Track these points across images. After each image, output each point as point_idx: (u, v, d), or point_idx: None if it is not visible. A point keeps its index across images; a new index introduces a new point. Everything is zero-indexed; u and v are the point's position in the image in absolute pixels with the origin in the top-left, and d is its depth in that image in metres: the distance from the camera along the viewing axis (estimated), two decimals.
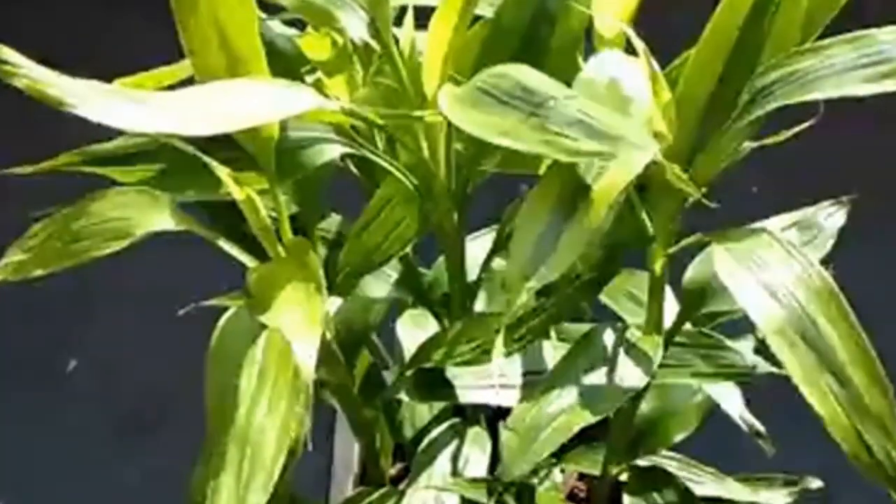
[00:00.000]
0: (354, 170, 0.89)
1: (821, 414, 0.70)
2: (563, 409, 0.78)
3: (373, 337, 0.97)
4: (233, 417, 0.71)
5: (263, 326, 0.72)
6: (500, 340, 0.74)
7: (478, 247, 0.94)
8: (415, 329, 0.94)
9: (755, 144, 0.79)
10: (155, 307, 1.15)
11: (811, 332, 0.71)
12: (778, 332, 0.71)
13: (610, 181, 0.71)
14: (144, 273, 1.42)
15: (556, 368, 0.81)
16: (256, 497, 0.70)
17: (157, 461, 1.29)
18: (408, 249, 0.89)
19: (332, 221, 0.91)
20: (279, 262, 0.77)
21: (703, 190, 0.75)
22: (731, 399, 0.92)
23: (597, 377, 0.80)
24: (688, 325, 0.87)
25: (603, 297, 0.92)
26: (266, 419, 0.71)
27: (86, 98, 0.70)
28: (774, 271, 0.72)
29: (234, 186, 0.76)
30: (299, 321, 0.70)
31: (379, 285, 0.91)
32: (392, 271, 0.92)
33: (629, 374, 0.80)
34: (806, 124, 0.77)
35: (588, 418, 0.78)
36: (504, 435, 0.79)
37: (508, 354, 0.83)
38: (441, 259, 0.95)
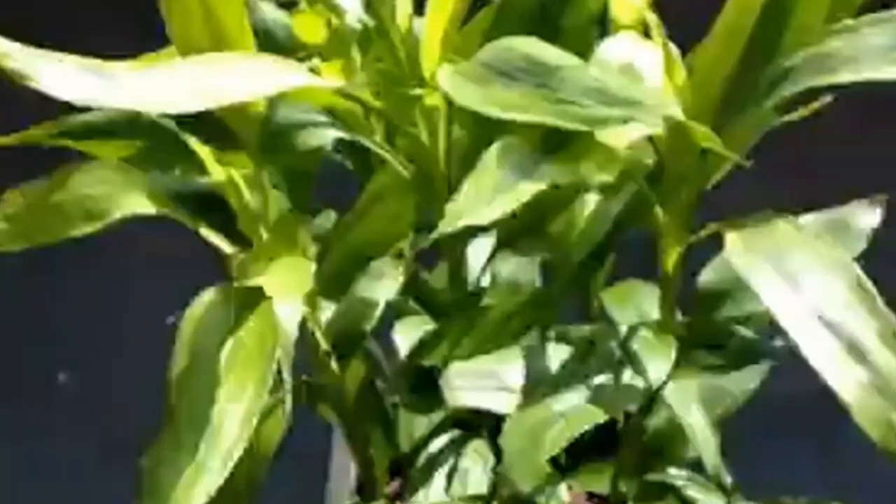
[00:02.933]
0: (349, 163, 0.82)
1: (848, 403, 0.63)
2: (570, 409, 0.71)
3: (369, 346, 0.90)
4: (194, 396, 0.64)
5: (238, 309, 0.65)
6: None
7: (481, 252, 0.87)
8: (413, 334, 0.86)
9: (779, 121, 0.71)
10: (148, 322, 1.09)
11: (836, 321, 0.64)
12: (801, 324, 0.63)
13: (621, 132, 0.63)
14: (138, 287, 1.37)
15: (561, 371, 0.73)
16: (211, 481, 0.63)
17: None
18: (403, 245, 0.81)
19: (328, 218, 0.83)
20: (262, 248, 0.70)
21: (735, 157, 0.67)
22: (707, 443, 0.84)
23: (606, 378, 0.72)
24: None
25: (606, 304, 0.84)
26: (229, 402, 0.64)
27: (50, 72, 0.63)
28: (795, 260, 0.65)
29: (216, 166, 0.69)
30: (285, 282, 0.64)
31: (374, 287, 0.84)
32: (389, 270, 0.84)
33: (638, 380, 0.72)
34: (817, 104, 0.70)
35: (597, 418, 0.70)
36: (504, 441, 0.72)
37: (503, 347, 0.75)
38: (442, 265, 0.87)
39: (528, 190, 0.65)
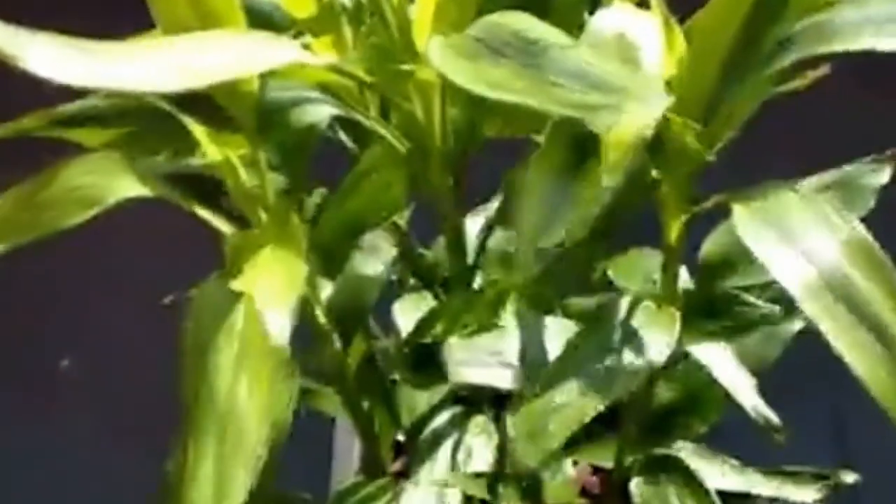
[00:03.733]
0: (345, 138, 0.80)
1: (863, 377, 0.61)
2: (575, 394, 0.69)
3: (370, 323, 0.88)
4: (210, 397, 0.62)
5: (241, 296, 0.62)
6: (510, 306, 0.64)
7: (478, 226, 0.85)
8: (414, 312, 0.84)
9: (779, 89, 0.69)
10: (149, 303, 1.07)
11: (849, 294, 0.62)
12: (813, 296, 0.62)
13: (618, 137, 0.61)
14: (138, 269, 1.36)
15: (565, 351, 0.71)
16: (238, 483, 0.61)
17: (151, 462, 1.20)
18: (401, 218, 0.79)
19: (319, 197, 0.81)
20: (260, 229, 0.68)
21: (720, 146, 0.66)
22: (744, 388, 0.82)
23: (610, 357, 0.70)
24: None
25: (611, 274, 0.82)
26: (248, 399, 0.61)
27: (38, 52, 0.61)
28: (804, 230, 0.63)
29: (211, 146, 0.67)
30: (274, 288, 0.61)
31: (373, 263, 0.82)
32: (387, 247, 0.82)
33: (644, 353, 0.70)
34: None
35: (602, 402, 0.68)
36: (511, 424, 0.70)
37: (510, 327, 0.73)
38: (440, 240, 0.86)
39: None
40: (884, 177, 0.80)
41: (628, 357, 0.69)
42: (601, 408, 0.68)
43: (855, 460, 1.14)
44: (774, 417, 0.81)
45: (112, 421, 1.31)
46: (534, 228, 0.62)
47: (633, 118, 0.59)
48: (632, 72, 0.65)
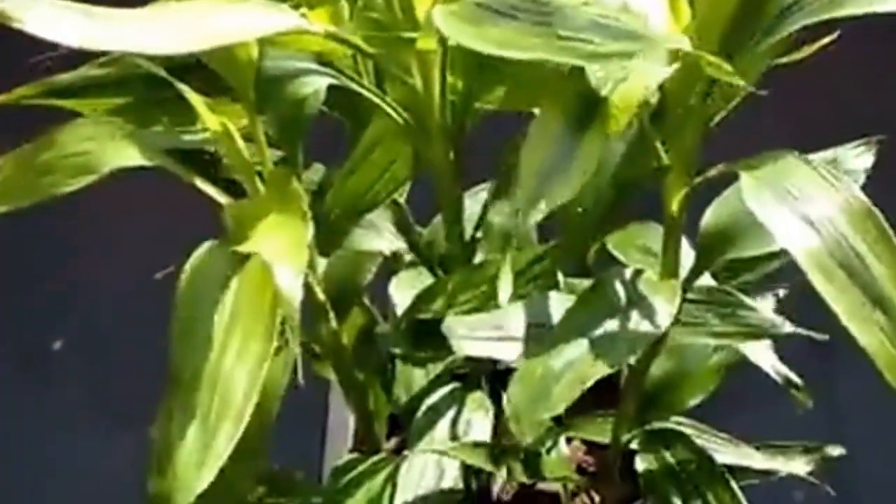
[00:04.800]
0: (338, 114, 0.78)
1: (868, 348, 0.60)
2: (575, 361, 0.67)
3: (366, 300, 0.86)
4: (199, 361, 0.60)
5: (238, 264, 0.61)
6: (507, 277, 0.62)
7: (477, 204, 0.84)
8: (410, 289, 0.83)
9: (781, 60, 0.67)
10: (143, 286, 1.06)
11: (854, 263, 0.61)
12: (818, 264, 0.60)
13: (633, 86, 0.59)
14: (132, 251, 1.33)
15: (566, 318, 0.70)
16: (221, 446, 0.59)
17: (139, 441, 1.18)
18: (400, 194, 0.78)
19: (317, 172, 0.80)
20: (259, 198, 0.66)
21: (746, 86, 0.64)
22: (761, 351, 0.81)
23: (610, 326, 0.69)
24: (703, 282, 0.76)
25: (612, 249, 0.81)
26: (236, 363, 0.60)
27: (37, 14, 0.59)
28: (810, 198, 0.62)
29: (209, 115, 0.65)
30: (282, 246, 0.60)
31: (370, 238, 0.80)
32: (385, 223, 0.81)
33: (646, 322, 0.68)
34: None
35: (603, 369, 0.67)
36: (512, 391, 0.68)
37: (511, 302, 0.72)
38: (438, 218, 0.84)
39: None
40: (869, 160, 0.80)
41: (633, 323, 0.68)
42: (605, 372, 0.66)
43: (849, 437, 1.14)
44: (794, 377, 0.80)
45: (106, 401, 1.29)
46: (536, 185, 0.59)
47: (640, 75, 0.58)
48: (645, 21, 0.63)
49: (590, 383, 0.66)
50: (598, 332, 0.68)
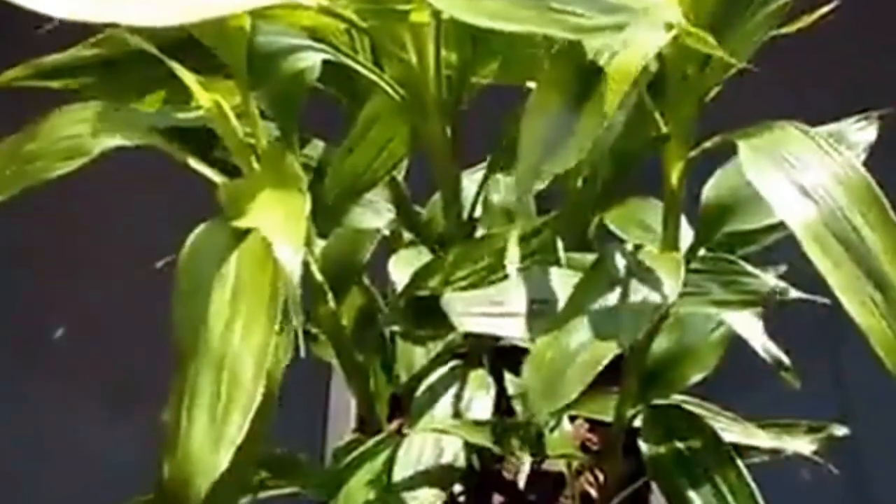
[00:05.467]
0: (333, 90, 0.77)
1: (863, 326, 0.59)
2: (586, 342, 0.66)
3: (365, 279, 0.85)
4: (205, 342, 0.59)
5: (237, 240, 0.60)
6: (514, 247, 0.61)
7: (474, 185, 0.82)
8: (409, 267, 0.82)
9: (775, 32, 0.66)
10: (143, 269, 1.05)
11: (851, 237, 0.60)
12: (814, 236, 0.60)
13: (627, 58, 0.58)
14: (132, 235, 1.33)
15: (572, 297, 0.68)
16: (234, 429, 0.58)
17: (145, 429, 1.18)
18: (398, 172, 0.77)
19: (316, 148, 0.79)
20: (254, 175, 0.65)
21: (737, 63, 0.63)
22: (752, 329, 0.80)
23: (616, 303, 0.67)
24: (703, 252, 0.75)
25: (612, 225, 0.80)
26: (242, 343, 0.59)
27: None
28: (809, 169, 0.61)
29: (202, 92, 0.64)
30: (280, 220, 0.59)
31: (369, 216, 0.79)
32: (383, 202, 0.80)
33: (653, 295, 0.67)
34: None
35: (614, 348, 0.65)
36: (526, 375, 0.67)
37: (503, 277, 0.71)
38: (435, 197, 0.83)
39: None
40: (872, 134, 0.78)
41: (639, 297, 0.67)
42: (618, 351, 0.65)
43: (854, 416, 1.13)
44: (785, 357, 0.79)
45: (105, 389, 1.28)
46: (537, 155, 0.58)
47: (637, 44, 0.57)
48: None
49: (603, 364, 0.65)
50: (605, 310, 0.67)
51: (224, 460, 0.57)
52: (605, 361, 0.65)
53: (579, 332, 0.66)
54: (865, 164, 0.69)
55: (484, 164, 0.83)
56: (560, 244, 0.74)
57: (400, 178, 0.81)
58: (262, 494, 0.84)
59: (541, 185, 0.58)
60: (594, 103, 0.58)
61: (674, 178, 0.68)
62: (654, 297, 0.67)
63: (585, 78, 0.59)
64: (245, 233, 0.60)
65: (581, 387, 0.65)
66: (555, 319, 0.67)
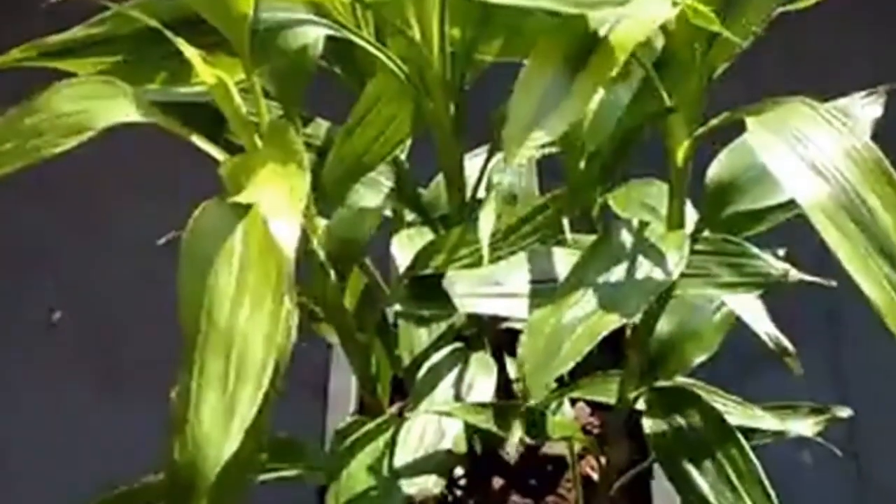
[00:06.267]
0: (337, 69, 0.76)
1: (874, 301, 0.58)
2: (586, 315, 0.65)
3: (367, 261, 0.84)
4: (212, 321, 0.58)
5: (241, 216, 0.59)
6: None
7: (477, 167, 0.82)
8: (412, 248, 0.81)
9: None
10: (141, 253, 1.04)
11: (861, 212, 0.59)
12: (824, 212, 0.59)
13: (629, 27, 0.57)
14: (131, 219, 1.33)
15: (573, 272, 0.67)
16: (245, 408, 0.57)
17: (141, 412, 1.17)
18: (401, 151, 0.76)
19: (319, 127, 0.78)
20: (256, 151, 0.64)
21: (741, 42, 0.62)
22: (755, 314, 0.79)
23: (620, 277, 0.66)
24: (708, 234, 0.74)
25: (615, 207, 0.79)
26: (250, 321, 0.57)
27: None
28: (818, 145, 0.60)
29: (205, 68, 0.63)
30: (279, 197, 0.58)
31: (372, 196, 0.78)
32: (386, 181, 0.79)
33: (657, 271, 0.66)
34: None
35: (614, 322, 0.64)
36: (522, 345, 0.66)
37: (514, 253, 0.70)
38: (438, 178, 0.82)
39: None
40: (878, 110, 0.78)
41: (642, 272, 0.66)
42: (618, 324, 0.64)
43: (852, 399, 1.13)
44: (787, 343, 0.78)
45: (105, 372, 1.27)
46: (529, 117, 0.57)
47: (641, 17, 0.56)
48: None
49: (602, 336, 0.64)
50: (608, 283, 0.66)
51: (236, 438, 0.56)
52: (604, 334, 0.64)
53: (579, 304, 0.65)
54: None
55: (486, 147, 0.83)
56: (566, 222, 0.73)
57: (403, 158, 0.80)
58: (263, 477, 0.84)
59: (528, 153, 0.57)
60: (590, 70, 0.57)
61: (679, 156, 0.67)
62: (660, 272, 0.66)
63: (584, 45, 0.58)
64: (249, 209, 0.59)
65: (577, 358, 0.64)
66: (557, 293, 0.66)
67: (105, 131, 0.64)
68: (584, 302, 0.65)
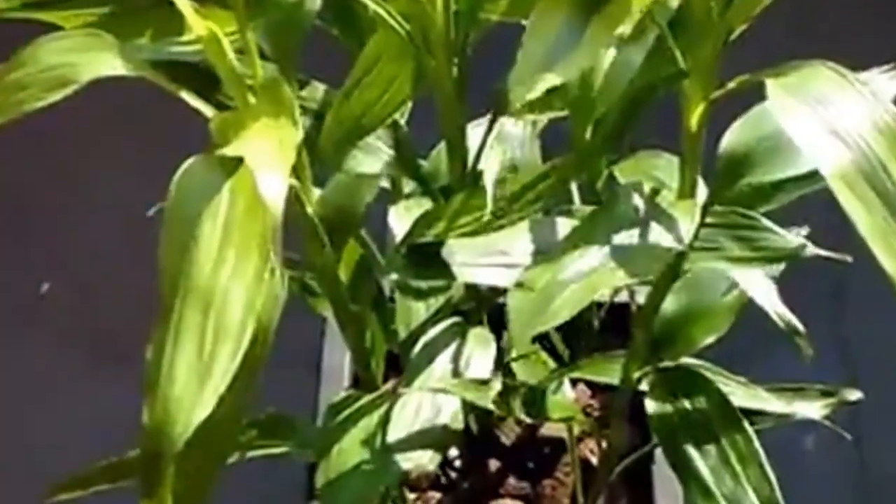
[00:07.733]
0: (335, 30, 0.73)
1: (890, 274, 0.55)
2: (587, 271, 0.61)
3: (363, 233, 0.81)
4: (191, 277, 0.54)
5: (228, 172, 0.55)
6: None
7: (479, 137, 0.78)
8: (409, 217, 0.77)
9: None
10: (129, 223, 1.02)
11: (882, 180, 0.56)
12: (845, 179, 0.55)
13: None
14: (119, 189, 1.30)
15: (576, 231, 0.64)
16: (221, 368, 0.53)
17: (133, 385, 1.14)
18: (402, 115, 0.73)
19: (316, 90, 0.74)
20: (248, 107, 0.61)
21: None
22: (765, 293, 0.76)
23: (627, 238, 0.63)
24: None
25: (622, 179, 0.76)
26: (232, 280, 0.54)
27: None
28: (842, 110, 0.56)
29: (196, 20, 0.60)
30: (267, 150, 0.54)
31: (370, 162, 0.75)
32: (385, 147, 0.75)
33: (664, 239, 0.63)
34: None
35: (618, 279, 0.61)
36: (513, 298, 0.62)
37: (516, 222, 0.66)
38: (439, 147, 0.79)
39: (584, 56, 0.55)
40: None
41: (651, 236, 0.62)
42: (621, 282, 0.61)
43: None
44: (798, 323, 0.74)
45: (94, 344, 1.25)
46: (539, 57, 0.53)
47: None
48: None
49: (601, 292, 0.60)
50: (614, 244, 0.62)
51: (209, 402, 0.52)
52: (604, 290, 0.60)
53: (581, 261, 0.62)
54: None
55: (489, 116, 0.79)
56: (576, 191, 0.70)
57: (402, 122, 0.77)
58: (252, 454, 0.81)
59: (534, 94, 0.53)
60: (605, 14, 0.53)
61: (693, 121, 0.64)
62: (670, 238, 0.62)
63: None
64: (237, 165, 0.56)
65: (570, 313, 0.60)
66: (558, 249, 0.62)
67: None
68: (586, 259, 0.62)
